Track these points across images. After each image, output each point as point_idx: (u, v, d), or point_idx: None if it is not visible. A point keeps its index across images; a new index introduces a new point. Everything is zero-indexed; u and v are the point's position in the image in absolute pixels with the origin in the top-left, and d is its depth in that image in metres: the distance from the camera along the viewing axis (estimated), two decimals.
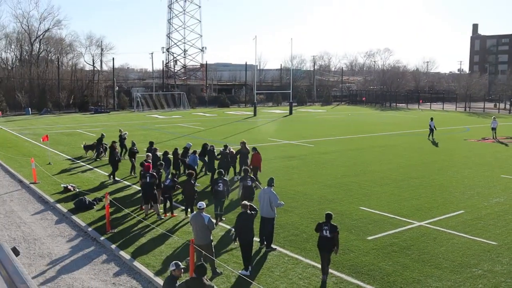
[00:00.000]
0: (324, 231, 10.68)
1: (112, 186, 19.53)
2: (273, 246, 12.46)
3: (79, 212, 15.79)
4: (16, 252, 4.24)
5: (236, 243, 11.56)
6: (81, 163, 24.71)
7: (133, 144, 22.49)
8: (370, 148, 30.28)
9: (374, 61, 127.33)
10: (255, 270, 11.13)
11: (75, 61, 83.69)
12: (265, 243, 12.45)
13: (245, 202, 11.54)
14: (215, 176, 17.09)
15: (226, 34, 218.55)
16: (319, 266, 11.20)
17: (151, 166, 16.94)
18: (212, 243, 11.05)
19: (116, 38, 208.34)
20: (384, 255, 12.00)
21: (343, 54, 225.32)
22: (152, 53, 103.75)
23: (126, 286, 10.54)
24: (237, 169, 20.89)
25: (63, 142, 32.42)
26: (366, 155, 27.49)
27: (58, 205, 16.69)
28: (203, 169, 21.78)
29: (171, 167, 19.67)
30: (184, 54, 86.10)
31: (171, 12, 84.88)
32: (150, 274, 10.94)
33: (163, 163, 17.57)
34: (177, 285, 7.85)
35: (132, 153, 21.89)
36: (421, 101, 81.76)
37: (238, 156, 20.62)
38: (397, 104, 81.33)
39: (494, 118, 38.34)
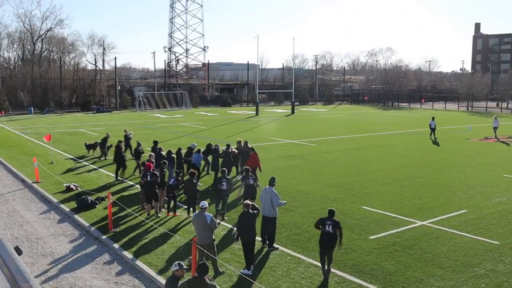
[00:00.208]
0: (327, 226, 10.72)
1: (114, 186, 19.55)
2: (275, 245, 12.45)
3: (82, 211, 15.81)
4: (18, 251, 4.25)
5: (238, 243, 11.56)
6: (83, 162, 24.75)
7: (138, 144, 22.44)
8: (372, 148, 30.25)
9: (376, 60, 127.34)
10: (257, 269, 11.13)
11: (77, 60, 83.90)
12: (267, 242, 12.45)
13: (247, 201, 11.54)
14: (219, 175, 17.12)
15: (228, 34, 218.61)
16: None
17: (152, 165, 16.94)
18: (214, 243, 11.06)
19: (118, 38, 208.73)
20: (386, 255, 11.99)
21: (345, 53, 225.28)
22: (154, 53, 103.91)
23: (128, 285, 10.55)
24: (240, 169, 20.92)
25: (65, 141, 32.47)
26: (368, 155, 27.46)
27: (61, 204, 16.72)
28: (205, 168, 21.80)
29: (175, 166, 19.68)
30: (186, 54, 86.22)
31: (173, 11, 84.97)
32: (152, 273, 10.95)
33: (166, 162, 17.59)
34: (179, 284, 7.86)
35: (137, 153, 21.84)
36: (423, 100, 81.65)
37: (240, 156, 20.67)
38: (399, 104, 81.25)
39: (495, 117, 38.28)
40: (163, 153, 19.83)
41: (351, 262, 11.53)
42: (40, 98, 62.45)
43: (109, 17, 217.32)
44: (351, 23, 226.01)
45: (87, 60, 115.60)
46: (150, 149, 21.35)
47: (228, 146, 20.41)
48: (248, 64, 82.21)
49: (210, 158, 21.25)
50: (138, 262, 11.57)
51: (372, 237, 13.23)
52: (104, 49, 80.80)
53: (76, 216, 15.33)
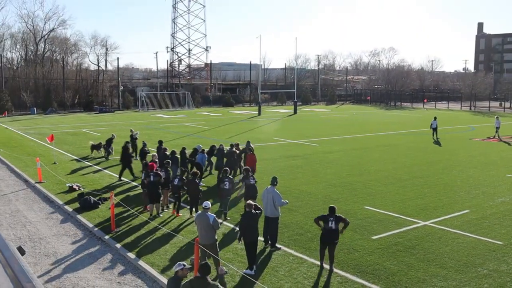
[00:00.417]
0: (330, 223, 10.83)
1: (117, 186, 19.58)
2: (277, 245, 12.45)
3: (84, 211, 15.83)
4: (21, 251, 4.26)
5: (240, 243, 11.57)
6: (86, 162, 24.79)
7: (144, 145, 22.46)
8: (374, 148, 30.22)
9: (379, 60, 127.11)
10: (259, 269, 11.13)
11: (80, 60, 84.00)
12: (269, 242, 12.46)
13: (250, 201, 11.55)
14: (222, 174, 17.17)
15: (230, 34, 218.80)
16: (325, 265, 11.21)
17: (155, 165, 16.96)
18: (217, 243, 11.06)
19: (120, 38, 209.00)
20: (389, 255, 11.97)
21: (348, 53, 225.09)
22: (156, 53, 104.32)
23: (131, 285, 10.56)
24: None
25: (68, 141, 32.53)
26: (371, 155, 27.44)
27: (64, 205, 16.75)
28: (208, 169, 21.82)
29: (179, 165, 19.72)
30: (189, 54, 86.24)
31: (176, 11, 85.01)
32: (155, 273, 10.96)
33: (170, 161, 17.63)
34: (181, 285, 7.86)
35: (143, 154, 21.84)
36: (426, 100, 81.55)
37: (243, 155, 20.75)
38: (402, 103, 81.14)
39: (497, 117, 38.18)
40: (167, 153, 19.89)
41: (353, 262, 11.52)
42: (43, 99, 62.55)
43: (111, 17, 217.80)
44: (353, 23, 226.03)
45: (89, 61, 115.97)
46: (155, 149, 21.45)
47: (232, 145, 20.59)
48: (250, 64, 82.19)
49: (213, 159, 21.33)
50: (141, 262, 11.58)
51: (374, 237, 13.22)
52: (106, 49, 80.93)
53: (79, 216, 15.36)
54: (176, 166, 19.03)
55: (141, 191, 17.00)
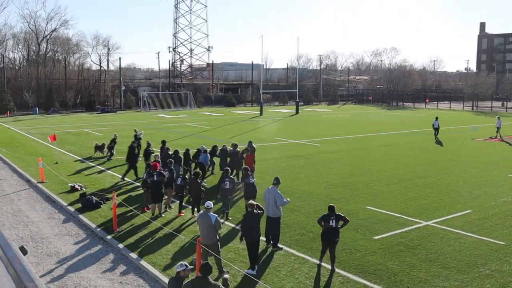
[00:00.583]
0: (331, 221, 10.96)
1: (119, 186, 19.60)
2: (279, 245, 12.45)
3: (86, 211, 15.85)
4: (24, 251, 4.26)
5: (242, 243, 11.57)
6: (88, 162, 24.82)
7: (149, 145, 22.45)
8: (376, 148, 30.20)
9: (381, 60, 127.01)
10: (261, 269, 11.13)
11: (82, 60, 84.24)
12: (271, 242, 12.46)
13: (252, 201, 11.56)
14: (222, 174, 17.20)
15: (232, 34, 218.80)
16: (326, 265, 11.23)
17: (158, 165, 16.97)
18: (219, 243, 11.07)
19: (122, 38, 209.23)
20: (391, 255, 11.96)
21: (350, 53, 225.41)
22: (158, 53, 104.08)
23: (133, 285, 10.57)
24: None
25: (70, 141, 32.57)
26: (373, 155, 27.42)
27: (66, 204, 16.78)
28: (209, 169, 21.84)
29: (182, 165, 19.73)
30: (191, 54, 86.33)
31: (178, 11, 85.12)
32: (156, 273, 10.97)
33: (172, 160, 17.68)
34: (183, 284, 7.87)
35: (148, 153, 21.84)
36: (428, 100, 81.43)
37: (244, 155, 20.77)
38: (404, 103, 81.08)
39: (498, 117, 38.10)
40: (170, 152, 19.95)
41: (355, 262, 11.52)
42: (45, 99, 62.66)
43: (113, 17, 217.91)
44: (355, 23, 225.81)
45: (91, 61, 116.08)
46: (159, 149, 21.51)
47: (235, 145, 20.62)
48: (252, 64, 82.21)
49: (215, 159, 21.38)
50: (143, 262, 11.59)
51: (376, 237, 13.21)
52: (108, 49, 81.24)
53: (81, 216, 15.38)
54: (179, 165, 19.05)
55: (142, 191, 16.98)
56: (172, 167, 16.93)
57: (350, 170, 22.62)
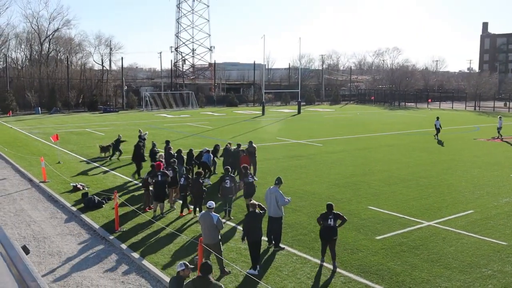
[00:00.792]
0: (329, 220, 11.05)
1: (121, 186, 19.62)
2: (281, 245, 12.46)
3: (88, 210, 15.88)
4: (26, 250, 4.28)
5: (244, 242, 11.58)
6: (91, 162, 24.85)
7: (154, 145, 22.47)
8: (378, 148, 30.17)
9: (383, 60, 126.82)
10: (263, 269, 11.13)
11: (84, 60, 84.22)
12: (273, 242, 12.46)
13: (254, 201, 11.57)
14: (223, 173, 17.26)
15: (234, 34, 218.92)
16: (328, 265, 11.23)
17: (162, 164, 16.99)
18: (220, 242, 11.08)
19: (125, 38, 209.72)
20: (393, 255, 11.95)
21: (352, 53, 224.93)
22: (160, 53, 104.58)
23: (134, 285, 10.59)
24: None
25: (73, 141, 32.62)
26: (375, 155, 27.40)
27: (68, 204, 16.81)
28: (211, 168, 21.86)
29: (185, 164, 19.76)
30: (193, 54, 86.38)
31: (180, 11, 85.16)
32: (158, 272, 10.99)
33: (175, 160, 17.72)
34: (183, 284, 7.87)
35: (153, 154, 21.82)
36: (430, 100, 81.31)
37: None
38: (406, 103, 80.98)
39: (500, 117, 38.03)
40: (172, 152, 20.02)
41: (357, 262, 11.51)
42: (47, 98, 62.78)
43: (116, 17, 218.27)
44: (356, 23, 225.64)
45: (94, 60, 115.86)
46: (163, 150, 21.59)
47: (238, 145, 20.90)
48: (254, 64, 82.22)
49: (224, 156, 21.52)
50: (145, 262, 11.61)
51: (378, 237, 13.20)
52: (111, 49, 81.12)
53: (83, 216, 15.41)
54: (181, 165, 19.09)
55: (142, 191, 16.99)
56: (176, 166, 16.97)
57: (352, 170, 22.60)
